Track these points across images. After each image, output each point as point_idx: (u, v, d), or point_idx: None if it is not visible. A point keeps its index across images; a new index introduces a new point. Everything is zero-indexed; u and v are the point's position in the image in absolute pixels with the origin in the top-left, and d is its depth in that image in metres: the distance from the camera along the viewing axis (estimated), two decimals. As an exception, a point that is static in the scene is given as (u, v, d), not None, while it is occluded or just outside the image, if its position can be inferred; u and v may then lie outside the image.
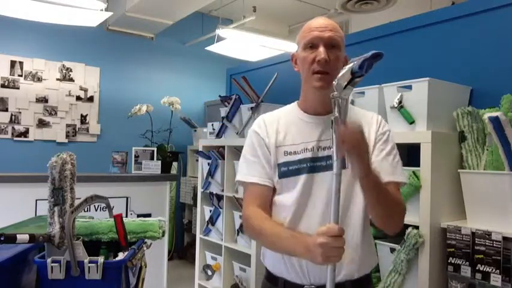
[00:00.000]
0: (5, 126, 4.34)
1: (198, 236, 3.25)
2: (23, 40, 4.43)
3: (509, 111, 1.73)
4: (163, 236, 1.60)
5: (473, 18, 2.17)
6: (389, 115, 2.01)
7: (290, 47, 4.28)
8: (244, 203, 1.33)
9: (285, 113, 1.36)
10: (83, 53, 4.72)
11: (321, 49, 1.21)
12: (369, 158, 1.11)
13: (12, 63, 4.37)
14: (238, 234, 2.88)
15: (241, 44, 4.49)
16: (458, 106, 1.95)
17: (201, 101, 5.45)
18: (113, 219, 1.50)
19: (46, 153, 1.67)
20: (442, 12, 2.34)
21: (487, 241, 1.65)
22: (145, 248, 1.58)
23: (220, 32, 4.22)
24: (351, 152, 1.07)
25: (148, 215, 2.99)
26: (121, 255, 1.40)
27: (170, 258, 4.58)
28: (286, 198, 1.26)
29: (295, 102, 1.37)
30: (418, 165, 1.82)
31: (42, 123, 4.51)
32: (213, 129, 3.19)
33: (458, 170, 1.86)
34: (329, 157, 1.23)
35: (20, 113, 4.40)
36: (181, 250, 5.16)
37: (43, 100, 4.51)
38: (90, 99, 4.76)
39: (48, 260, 1.28)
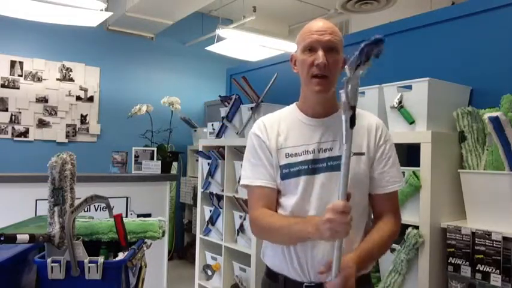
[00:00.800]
0: (5, 126, 4.33)
1: (198, 236, 3.25)
2: (23, 40, 4.43)
3: (509, 111, 1.73)
4: (163, 236, 1.60)
5: (473, 18, 2.17)
6: (389, 115, 2.01)
7: (290, 47, 4.27)
8: (250, 206, 1.33)
9: (285, 115, 1.36)
10: (83, 53, 4.72)
11: (320, 53, 1.21)
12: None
13: (12, 63, 4.37)
14: (238, 234, 2.88)
15: (241, 44, 4.49)
16: (458, 106, 1.95)
17: (201, 101, 5.45)
18: (113, 219, 1.50)
19: (46, 153, 1.67)
20: (442, 12, 2.34)
21: (487, 241, 1.65)
22: (145, 248, 1.58)
23: (220, 32, 4.21)
24: None
25: (148, 215, 2.99)
26: (121, 255, 1.40)
27: (170, 258, 4.58)
28: (289, 200, 1.27)
29: (295, 104, 1.37)
30: (418, 165, 1.82)
31: (42, 123, 4.51)
32: (213, 129, 3.19)
33: (458, 170, 1.86)
34: (329, 159, 1.24)
35: (20, 113, 4.40)
36: (181, 250, 5.16)
37: (43, 100, 4.50)
38: (90, 99, 4.76)
39: (48, 260, 1.28)
